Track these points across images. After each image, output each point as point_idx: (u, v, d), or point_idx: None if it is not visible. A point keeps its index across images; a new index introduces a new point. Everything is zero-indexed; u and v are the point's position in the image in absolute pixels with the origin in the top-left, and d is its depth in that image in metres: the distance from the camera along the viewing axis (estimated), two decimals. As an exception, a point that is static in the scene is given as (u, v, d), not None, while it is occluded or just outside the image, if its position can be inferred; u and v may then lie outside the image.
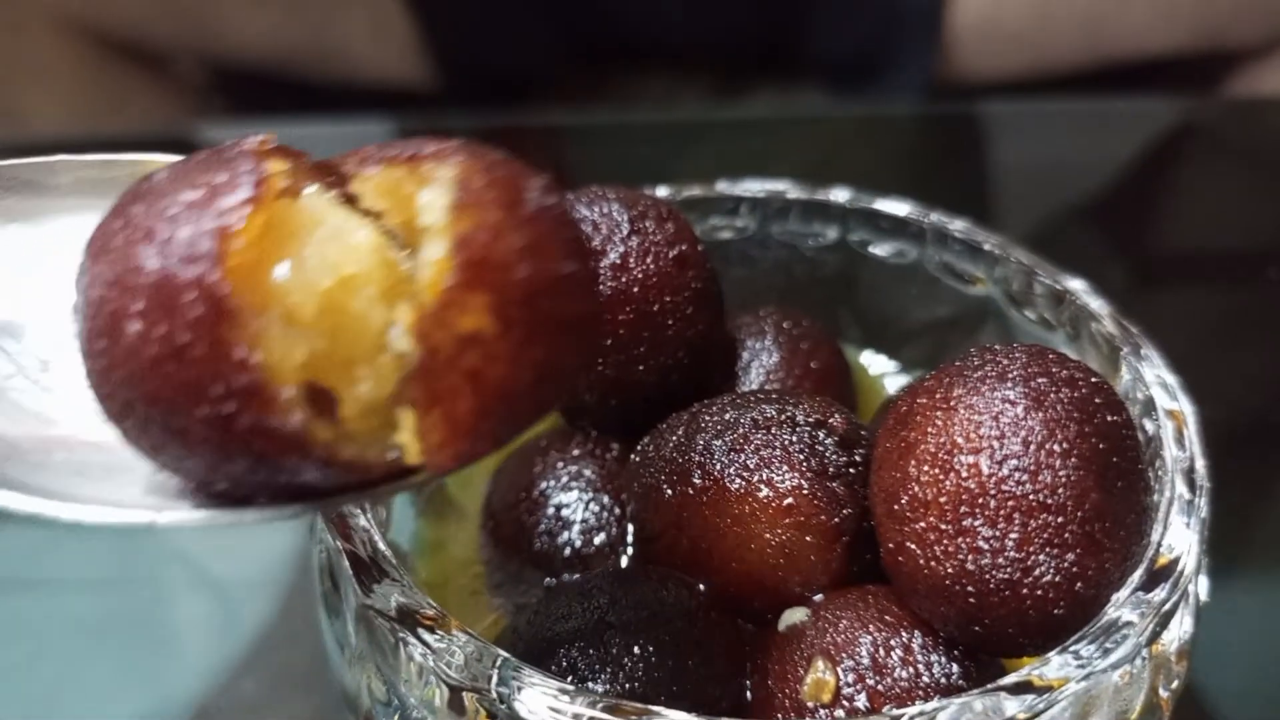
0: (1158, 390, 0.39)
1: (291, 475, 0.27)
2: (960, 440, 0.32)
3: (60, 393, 0.32)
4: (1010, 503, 0.31)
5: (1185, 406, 0.39)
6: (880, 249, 0.51)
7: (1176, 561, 0.33)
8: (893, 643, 0.34)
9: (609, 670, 0.33)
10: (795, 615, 0.36)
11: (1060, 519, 0.31)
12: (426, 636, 0.32)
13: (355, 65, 1.15)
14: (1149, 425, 0.39)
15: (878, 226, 0.51)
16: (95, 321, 0.26)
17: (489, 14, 1.16)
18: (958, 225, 0.49)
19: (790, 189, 0.52)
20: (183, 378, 0.25)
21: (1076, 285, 0.45)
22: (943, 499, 0.32)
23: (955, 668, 0.33)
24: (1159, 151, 1.01)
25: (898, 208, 0.50)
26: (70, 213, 0.34)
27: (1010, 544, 0.31)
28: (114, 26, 1.11)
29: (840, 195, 0.51)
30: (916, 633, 0.34)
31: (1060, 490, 0.31)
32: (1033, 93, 1.14)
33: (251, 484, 0.27)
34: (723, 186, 0.52)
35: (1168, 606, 0.32)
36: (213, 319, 0.25)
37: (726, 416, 0.38)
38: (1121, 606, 0.32)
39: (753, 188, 0.52)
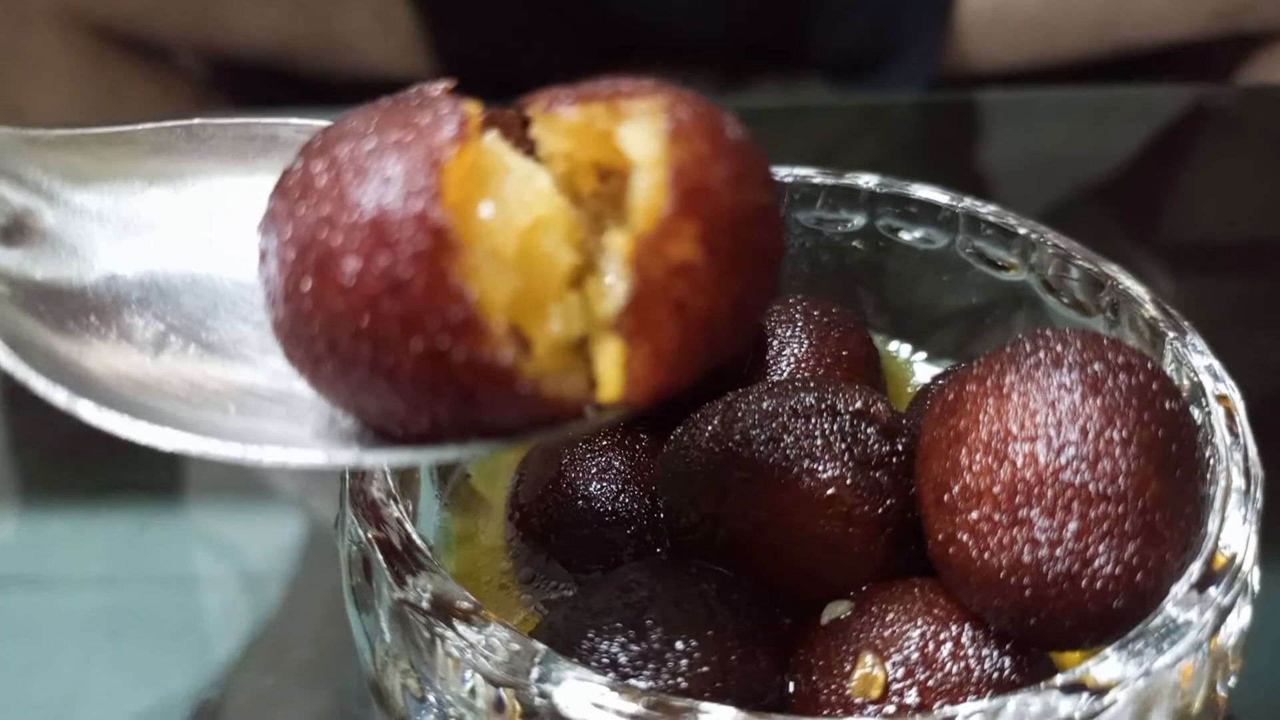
0: (1205, 376, 0.38)
1: (494, 412, 0.27)
2: (1015, 428, 0.31)
3: (220, 350, 0.32)
4: (1069, 492, 0.30)
5: (1234, 393, 0.38)
6: (909, 235, 0.50)
7: (1235, 554, 0.32)
8: (942, 636, 0.33)
9: (652, 666, 0.32)
10: (838, 608, 0.35)
11: (1121, 508, 0.30)
12: (464, 630, 0.31)
13: (357, 58, 1.14)
14: (1196, 413, 0.38)
15: (906, 212, 0.50)
16: (300, 263, 0.27)
17: (492, 7, 1.15)
18: (990, 209, 0.48)
19: (816, 174, 0.51)
20: (401, 312, 0.25)
21: (1116, 269, 0.44)
22: (997, 489, 0.31)
23: (1007, 662, 0.32)
24: (1172, 139, 1.00)
25: (928, 192, 0.49)
26: (211, 174, 0.35)
27: (1069, 535, 0.30)
28: (115, 20, 1.09)
29: (868, 180, 0.50)
30: (967, 626, 0.33)
31: (1120, 479, 0.30)
32: (1042, 81, 1.13)
33: (452, 422, 0.27)
34: (747, 172, 0.51)
35: (1227, 600, 0.32)
36: (433, 252, 0.25)
37: (764, 405, 0.37)
38: (1180, 600, 0.31)
39: (778, 172, 0.51)
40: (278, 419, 0.30)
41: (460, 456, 0.29)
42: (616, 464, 0.42)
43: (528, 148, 0.29)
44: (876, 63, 1.17)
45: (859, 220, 0.51)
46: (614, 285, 0.26)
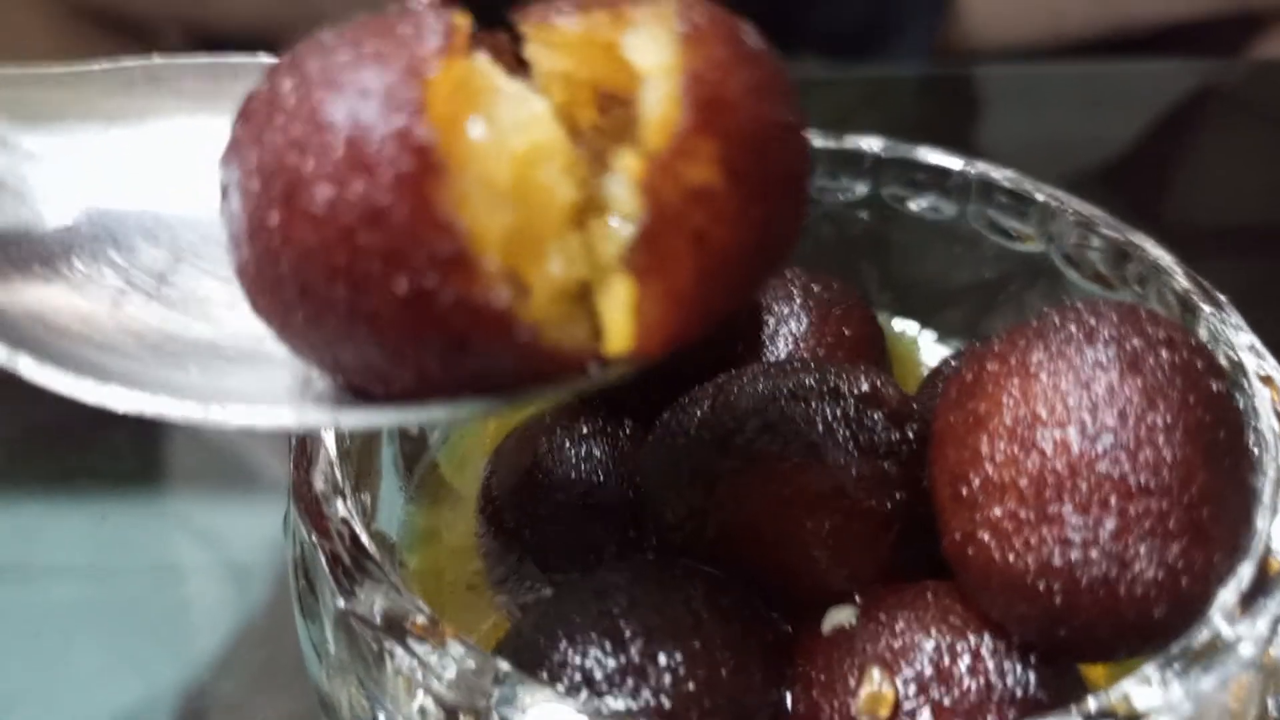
0: (1247, 355, 0.34)
1: (488, 363, 0.24)
2: (1043, 412, 0.28)
3: (181, 305, 0.30)
4: (1105, 485, 0.27)
5: (1276, 371, 0.34)
6: (916, 204, 0.46)
7: (1290, 555, 0.29)
8: (959, 648, 0.29)
9: (630, 682, 0.28)
10: (841, 615, 0.32)
11: (1164, 503, 0.26)
12: (416, 646, 0.27)
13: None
14: (1237, 395, 0.34)
15: (913, 179, 0.46)
16: (264, 195, 0.23)
17: (485, -5, 1.11)
18: (1005, 174, 0.44)
19: (816, 137, 0.47)
20: (381, 246, 0.22)
21: (1143, 238, 0.40)
22: (1023, 481, 0.27)
23: (1033, 677, 0.29)
24: (1179, 117, 0.97)
25: (937, 157, 0.45)
26: (173, 115, 0.32)
27: (1105, 534, 0.26)
28: (93, -5, 1.06)
29: (872, 144, 0.46)
30: (986, 636, 0.29)
31: (1164, 470, 0.26)
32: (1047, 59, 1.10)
33: (441, 377, 0.24)
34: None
35: (1281, 608, 0.28)
36: (418, 175, 0.22)
37: (760, 388, 0.34)
38: (1229, 611, 0.28)
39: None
40: (245, 379, 0.27)
41: (451, 417, 0.26)
42: (597, 453, 0.39)
43: (522, 74, 0.25)
44: (874, 40, 1.13)
45: (862, 188, 0.47)
46: (623, 215, 0.23)
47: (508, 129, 0.23)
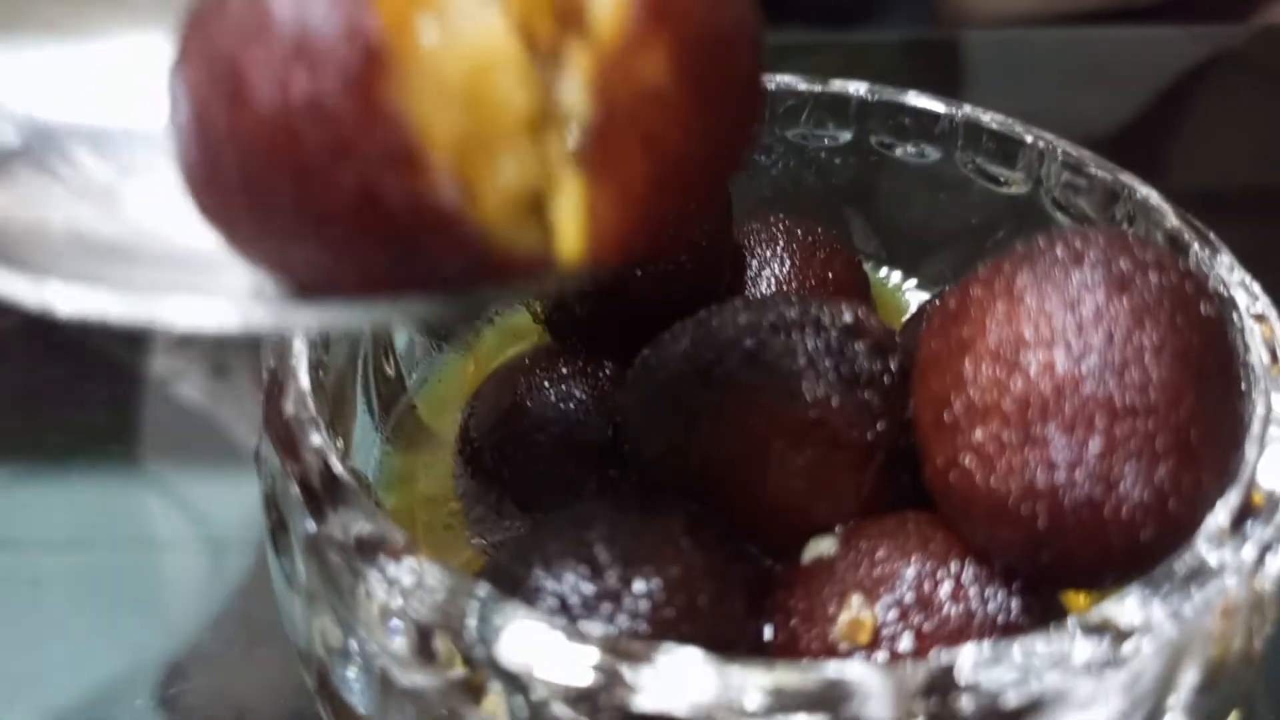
0: (1240, 292, 0.34)
1: (435, 263, 0.23)
2: (1029, 334, 0.27)
3: (131, 220, 0.28)
4: (1090, 405, 0.26)
5: (1271, 311, 0.34)
6: (902, 149, 0.46)
7: (1277, 486, 0.28)
8: (940, 574, 0.29)
9: (607, 608, 0.28)
10: (822, 546, 0.31)
11: (1151, 423, 0.26)
12: (390, 567, 0.26)
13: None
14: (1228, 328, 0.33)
15: (900, 124, 0.46)
16: (209, 92, 0.23)
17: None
18: (993, 117, 0.44)
19: (799, 81, 0.46)
20: (327, 138, 0.22)
21: (1132, 178, 0.39)
22: (1007, 403, 0.27)
23: (1015, 603, 0.28)
24: (1184, 83, 0.96)
25: (924, 101, 0.45)
26: (125, 30, 0.31)
27: (1090, 455, 0.26)
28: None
29: (858, 88, 0.46)
30: (968, 563, 0.29)
31: (1151, 390, 0.26)
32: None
33: (384, 276, 0.24)
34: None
35: (1268, 535, 0.27)
36: (364, 66, 0.21)
37: (740, 320, 0.33)
38: (1214, 535, 0.27)
39: (759, 80, 0.46)
40: (193, 288, 0.26)
41: (402, 315, 0.25)
42: (578, 393, 0.38)
43: None
44: (866, 14, 1.12)
45: (847, 135, 0.47)
46: (576, 116, 0.23)
47: (460, 33, 0.23)
